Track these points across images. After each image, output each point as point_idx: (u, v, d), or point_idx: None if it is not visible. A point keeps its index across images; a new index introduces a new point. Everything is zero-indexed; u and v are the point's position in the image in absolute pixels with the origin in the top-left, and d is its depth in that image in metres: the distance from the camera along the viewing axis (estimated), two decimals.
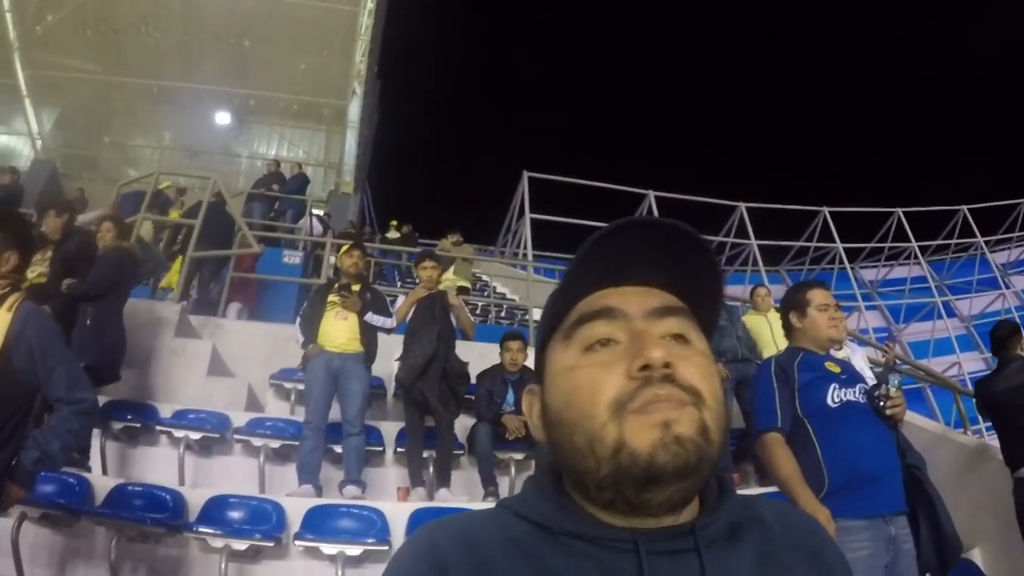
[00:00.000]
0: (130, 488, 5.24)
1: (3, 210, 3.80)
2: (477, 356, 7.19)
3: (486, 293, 16.21)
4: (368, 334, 6.27)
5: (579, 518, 0.86)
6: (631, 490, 0.82)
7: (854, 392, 3.37)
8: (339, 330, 6.19)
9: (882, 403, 3.32)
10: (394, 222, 17.98)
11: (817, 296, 3.65)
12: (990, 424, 6.13)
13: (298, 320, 6.45)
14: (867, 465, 3.18)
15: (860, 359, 6.52)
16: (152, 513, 4.89)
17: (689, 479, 0.82)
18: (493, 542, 0.85)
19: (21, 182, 13.98)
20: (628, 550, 0.83)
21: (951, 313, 24.86)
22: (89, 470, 5.62)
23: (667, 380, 0.83)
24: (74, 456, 5.39)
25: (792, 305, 3.68)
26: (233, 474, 6.29)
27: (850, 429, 3.26)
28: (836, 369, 3.48)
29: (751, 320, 7.60)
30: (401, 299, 6.85)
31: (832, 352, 5.05)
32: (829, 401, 3.33)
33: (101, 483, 5.28)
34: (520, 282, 14.89)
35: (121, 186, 11.19)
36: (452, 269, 11.38)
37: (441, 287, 6.96)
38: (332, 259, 10.15)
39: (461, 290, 10.80)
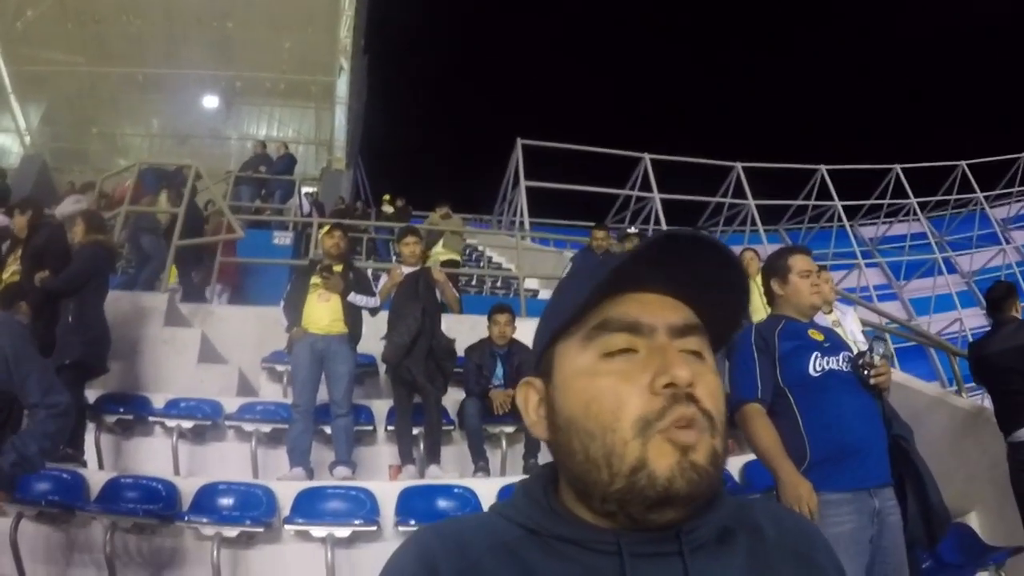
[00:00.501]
0: (123, 481, 5.29)
1: None
2: (468, 329, 7.20)
3: (481, 264, 16.18)
4: (352, 314, 6.24)
5: (566, 521, 0.87)
6: (639, 509, 0.82)
7: (838, 360, 3.30)
8: (322, 312, 6.16)
9: (866, 372, 3.26)
10: (386, 196, 17.92)
11: (798, 262, 3.57)
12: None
13: (282, 303, 6.42)
14: (850, 436, 3.13)
15: (851, 320, 6.46)
16: (145, 504, 4.97)
17: (693, 504, 0.83)
18: (483, 546, 0.86)
19: (8, 181, 13.95)
20: (611, 552, 0.83)
21: (952, 269, 24.77)
22: (84, 465, 5.64)
23: (689, 399, 0.83)
24: (67, 452, 5.42)
25: (773, 272, 3.61)
26: (227, 460, 6.33)
27: (832, 398, 3.20)
28: (819, 337, 3.41)
29: None
30: (385, 277, 6.81)
31: (822, 314, 4.99)
32: (811, 370, 3.26)
33: (96, 478, 5.32)
34: (515, 252, 14.87)
35: (105, 178, 11.11)
36: (441, 242, 11.26)
37: (429, 262, 6.91)
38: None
39: (451, 263, 10.66)
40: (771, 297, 3.66)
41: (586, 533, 0.85)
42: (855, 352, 3.44)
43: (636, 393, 0.83)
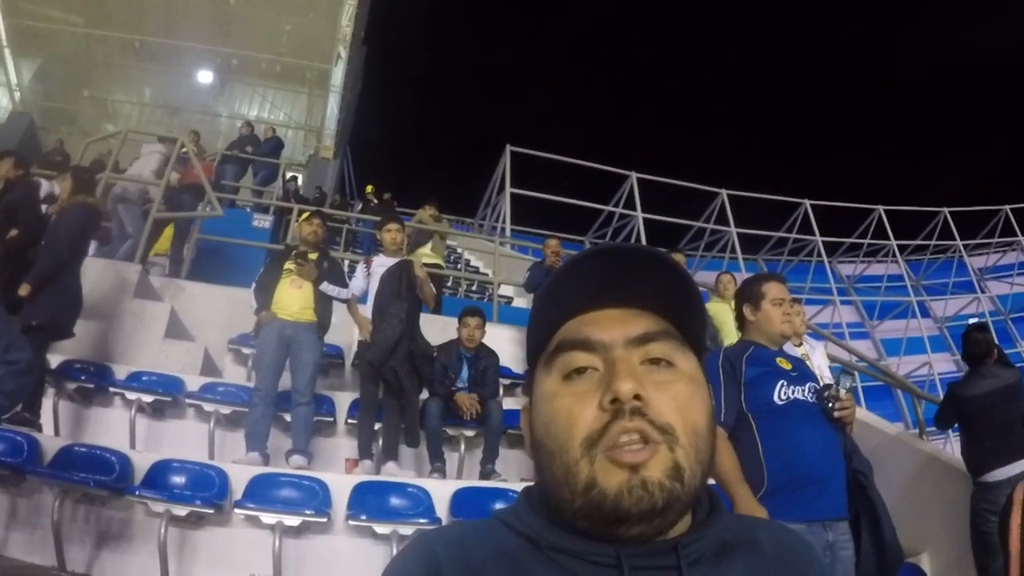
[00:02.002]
0: (77, 449, 5.21)
1: None
2: (439, 330, 7.21)
3: (459, 266, 16.16)
4: (322, 304, 6.22)
5: (565, 533, 0.86)
6: (601, 525, 0.83)
7: (803, 391, 3.29)
8: (293, 298, 6.13)
9: (831, 404, 3.26)
10: (370, 187, 17.85)
11: (772, 290, 3.58)
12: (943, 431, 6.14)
13: (253, 286, 6.38)
14: (808, 467, 3.12)
15: (820, 356, 6.48)
16: (97, 475, 4.88)
17: (656, 519, 0.82)
18: (485, 553, 0.86)
19: None
20: (611, 565, 0.83)
21: (925, 313, 24.99)
22: (40, 430, 5.56)
23: (637, 413, 0.82)
24: (24, 416, 5.38)
25: (747, 297, 3.62)
26: (185, 439, 6.28)
27: (794, 428, 3.19)
28: (787, 365, 3.40)
29: (714, 307, 7.57)
30: (361, 268, 6.76)
31: (791, 346, 4.99)
32: (776, 398, 3.25)
33: (50, 444, 5.26)
34: (492, 257, 14.85)
35: (90, 142, 11.01)
36: (430, 245, 10.97)
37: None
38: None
39: (435, 266, 10.44)
40: (742, 322, 3.66)
41: (585, 546, 0.84)
42: (822, 385, 3.44)
43: (588, 411, 0.83)
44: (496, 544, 0.87)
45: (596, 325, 0.89)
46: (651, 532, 0.83)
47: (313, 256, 6.32)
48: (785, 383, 3.29)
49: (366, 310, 6.61)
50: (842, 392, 3.28)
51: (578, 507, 0.83)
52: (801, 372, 3.42)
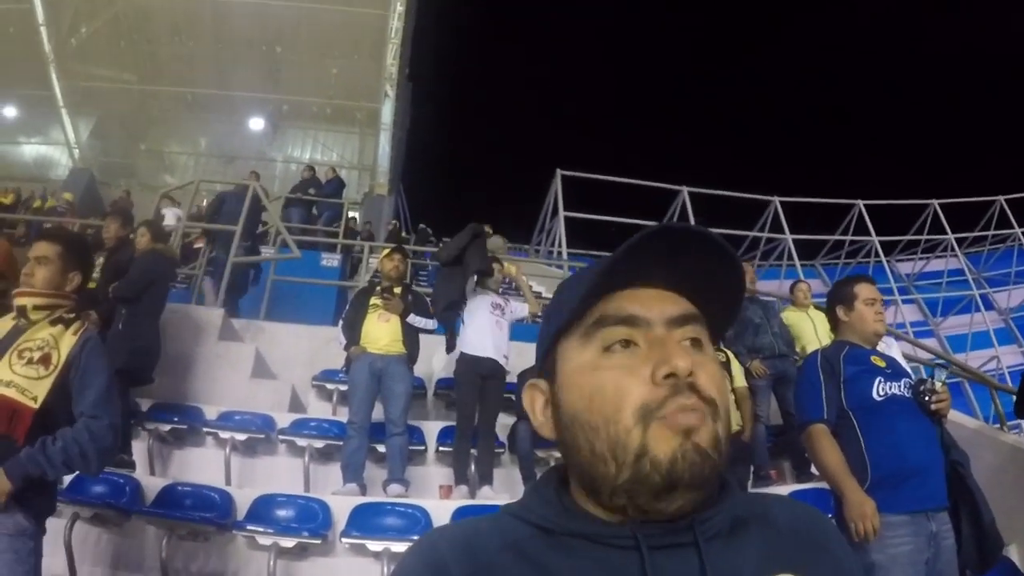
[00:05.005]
0: (179, 488, 5.37)
1: (68, 232, 3.88)
2: (515, 355, 7.24)
3: (520, 292, 16.24)
4: (410, 336, 6.34)
5: (580, 518, 0.88)
6: (646, 498, 0.84)
7: (899, 386, 3.39)
8: (381, 332, 6.25)
9: (927, 398, 3.34)
10: (393, 223, 18.03)
11: (864, 290, 3.69)
12: None
13: (340, 323, 6.54)
14: (910, 459, 3.21)
15: (896, 353, 6.48)
16: (202, 512, 5.02)
17: (702, 489, 0.84)
18: (493, 546, 0.86)
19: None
20: (629, 546, 0.84)
21: (989, 306, 24.36)
22: (133, 466, 5.75)
23: (691, 389, 0.84)
24: (123, 457, 5.55)
25: (840, 299, 3.72)
26: (278, 474, 6.40)
27: (894, 423, 3.29)
28: (881, 363, 3.51)
29: (791, 316, 7.49)
30: None
31: None
32: (874, 394, 3.36)
33: (150, 483, 5.41)
34: (554, 281, 14.91)
35: (162, 194, 11.36)
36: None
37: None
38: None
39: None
40: (835, 323, 3.76)
41: (602, 528, 0.86)
42: (914, 379, 3.52)
43: (638, 384, 0.85)
44: (504, 536, 0.87)
45: (638, 302, 0.90)
46: (689, 507, 0.84)
47: (397, 290, 6.46)
48: (882, 379, 3.40)
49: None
50: (938, 385, 3.37)
51: (622, 481, 0.83)
52: (895, 369, 3.54)
